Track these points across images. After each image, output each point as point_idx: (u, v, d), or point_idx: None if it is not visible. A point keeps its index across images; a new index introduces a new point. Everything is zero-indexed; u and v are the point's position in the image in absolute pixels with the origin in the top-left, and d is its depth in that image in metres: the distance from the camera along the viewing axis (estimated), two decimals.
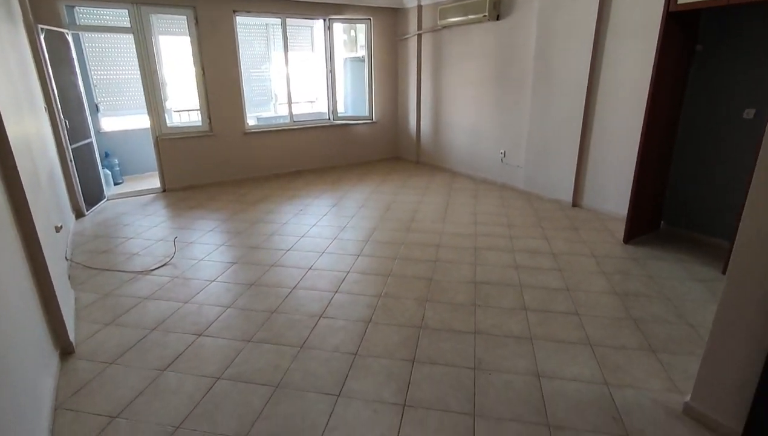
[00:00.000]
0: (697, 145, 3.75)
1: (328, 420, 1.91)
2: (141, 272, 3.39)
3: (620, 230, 4.04)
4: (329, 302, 2.91)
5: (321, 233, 4.23)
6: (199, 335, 2.55)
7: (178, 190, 5.79)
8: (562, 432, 1.83)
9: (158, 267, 3.48)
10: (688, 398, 1.92)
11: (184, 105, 6.90)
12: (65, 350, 2.37)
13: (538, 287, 3.08)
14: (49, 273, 2.25)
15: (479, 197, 5.36)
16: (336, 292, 3.05)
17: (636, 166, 3.64)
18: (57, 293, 2.31)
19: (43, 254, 2.21)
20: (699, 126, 3.70)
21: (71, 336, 2.41)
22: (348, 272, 3.35)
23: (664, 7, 3.23)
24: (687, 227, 3.96)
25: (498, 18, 5.35)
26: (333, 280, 3.24)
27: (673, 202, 4.01)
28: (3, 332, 1.61)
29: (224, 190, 5.79)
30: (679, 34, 3.40)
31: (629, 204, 3.76)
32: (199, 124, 5.89)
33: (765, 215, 1.54)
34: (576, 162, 4.75)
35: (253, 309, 2.84)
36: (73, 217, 4.61)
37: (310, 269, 3.43)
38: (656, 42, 3.33)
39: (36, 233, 2.17)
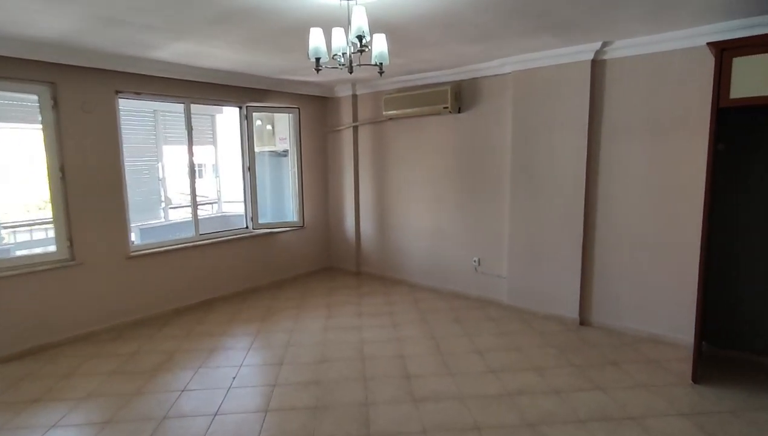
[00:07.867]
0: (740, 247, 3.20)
1: None
2: None
3: (665, 357, 3.27)
4: None
5: (281, 427, 2.59)
6: None
7: (11, 359, 3.58)
8: None
9: None
10: None
11: (15, 216, 4.73)
12: None
13: None
14: None
15: (464, 323, 4.22)
16: None
17: (699, 274, 2.92)
18: None
19: None
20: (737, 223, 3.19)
21: None
22: None
23: (713, 102, 2.79)
24: (739, 348, 3.29)
25: (460, 111, 4.69)
26: None
27: (716, 315, 3.35)
28: None
29: (97, 351, 3.73)
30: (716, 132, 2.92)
31: (695, 324, 2.97)
32: (52, 248, 3.90)
33: None
34: (580, 269, 3.98)
35: None
36: None
37: None
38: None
39: None
